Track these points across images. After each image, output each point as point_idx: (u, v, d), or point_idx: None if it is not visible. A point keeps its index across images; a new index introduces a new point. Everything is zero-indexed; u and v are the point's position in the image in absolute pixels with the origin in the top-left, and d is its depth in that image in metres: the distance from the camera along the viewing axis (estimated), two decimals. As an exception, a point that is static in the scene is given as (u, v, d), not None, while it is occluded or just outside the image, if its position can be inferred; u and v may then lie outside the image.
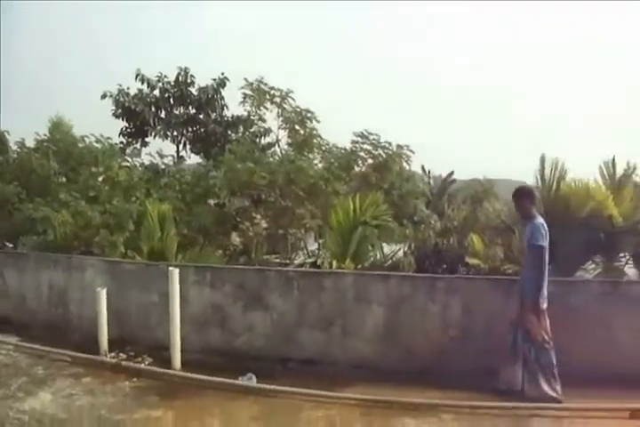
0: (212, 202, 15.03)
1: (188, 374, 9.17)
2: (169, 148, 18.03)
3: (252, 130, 17.22)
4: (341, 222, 11.54)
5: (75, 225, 13.04)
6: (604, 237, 11.01)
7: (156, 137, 18.18)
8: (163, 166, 15.76)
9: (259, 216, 14.74)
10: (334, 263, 11.04)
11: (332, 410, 8.11)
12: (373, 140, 14.14)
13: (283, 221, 14.32)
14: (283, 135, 14.80)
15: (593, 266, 11.67)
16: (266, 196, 14.29)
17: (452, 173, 25.53)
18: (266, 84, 14.15)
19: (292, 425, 7.72)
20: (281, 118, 14.23)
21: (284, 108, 14.09)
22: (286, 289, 9.76)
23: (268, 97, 14.10)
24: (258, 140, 16.69)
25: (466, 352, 8.86)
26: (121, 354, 9.86)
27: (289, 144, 14.49)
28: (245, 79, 14.00)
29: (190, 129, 18.34)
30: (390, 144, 14.17)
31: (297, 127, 14.09)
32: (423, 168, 25.15)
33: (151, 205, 12.58)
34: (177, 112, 18.32)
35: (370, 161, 14.25)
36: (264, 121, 14.59)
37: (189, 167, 16.97)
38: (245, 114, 16.84)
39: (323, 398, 8.33)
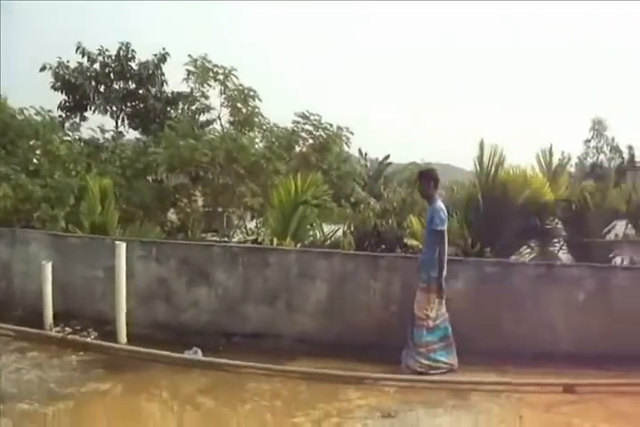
0: (149, 178, 15.04)
1: (134, 348, 9.27)
2: (108, 123, 17.81)
3: (192, 107, 17.17)
4: (283, 201, 11.66)
5: (15, 199, 12.90)
6: (540, 224, 11.33)
7: (96, 112, 17.95)
8: (103, 141, 15.66)
9: (197, 193, 14.85)
10: (275, 241, 11.21)
11: (278, 383, 8.30)
12: (314, 120, 14.28)
13: (222, 198, 14.40)
14: (224, 113, 14.77)
15: (528, 250, 12.05)
16: (204, 173, 14.35)
17: (387, 156, 25.72)
18: (210, 62, 14.10)
19: (239, 397, 7.81)
20: (223, 96, 14.20)
21: (227, 86, 14.07)
22: (231, 264, 9.93)
23: (211, 74, 14.04)
24: (197, 117, 16.62)
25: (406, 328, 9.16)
26: (66, 328, 9.84)
27: (230, 122, 14.47)
28: (190, 55, 13.91)
29: (129, 104, 18.13)
30: (331, 125, 14.35)
31: (239, 105, 14.06)
32: (360, 151, 25.34)
33: (92, 179, 12.49)
34: (116, 87, 18.08)
35: (310, 141, 14.37)
36: (207, 98, 14.49)
37: (129, 142, 16.88)
38: (187, 91, 16.89)
39: (268, 371, 8.58)
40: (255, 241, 11.92)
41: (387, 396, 8.00)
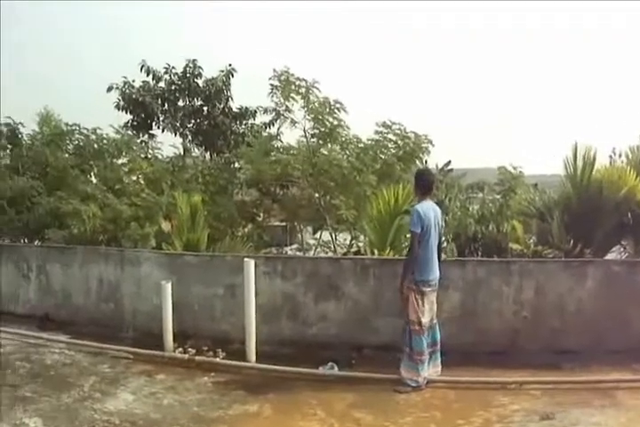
0: (231, 194, 15.12)
1: (268, 366, 9.05)
2: (171, 140, 17.78)
3: (256, 121, 17.30)
4: (381, 212, 11.46)
5: (103, 218, 12.85)
6: (633, 222, 11.22)
7: (164, 130, 17.88)
8: (185, 158, 15.75)
9: (276, 207, 14.87)
10: (375, 252, 11.05)
11: (426, 393, 8.17)
12: (397, 129, 14.13)
13: (303, 212, 14.36)
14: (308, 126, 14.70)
15: (621, 249, 11.94)
16: (284, 187, 14.40)
17: (449, 162, 25.44)
18: (292, 75, 13.92)
19: (394, 410, 7.64)
20: (305, 109, 14.00)
21: (309, 99, 13.90)
22: (362, 277, 9.77)
23: (294, 87, 13.87)
24: (267, 129, 16.56)
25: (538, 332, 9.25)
26: (190, 349, 9.60)
27: (312, 135, 14.30)
28: (274, 70, 13.81)
29: (194, 121, 18.03)
30: (415, 134, 14.19)
31: (323, 118, 13.93)
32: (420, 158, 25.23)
33: (180, 197, 12.40)
34: (182, 104, 17.98)
35: (393, 151, 14.20)
36: (290, 112, 14.23)
37: (208, 160, 17.00)
38: (252, 105, 17.00)
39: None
40: (357, 253, 11.82)
41: (537, 399, 7.95)
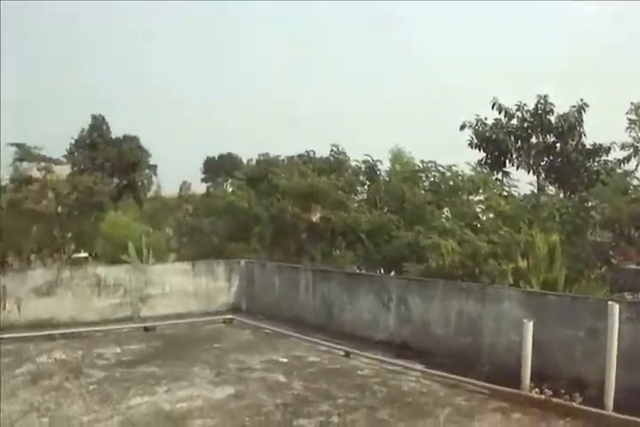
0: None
1: (627, 417, 8.59)
2: (524, 177, 17.88)
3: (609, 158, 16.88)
4: None
5: (461, 254, 13.20)
6: None
7: (518, 168, 18.12)
8: (539, 196, 15.81)
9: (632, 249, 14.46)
10: None
11: None
12: None
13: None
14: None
15: None
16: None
17: None
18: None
19: None
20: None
21: None
22: None
23: None
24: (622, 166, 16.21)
25: None
26: (546, 390, 9.50)
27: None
28: (631, 103, 13.55)
29: (547, 158, 18.04)
30: None
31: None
32: None
33: (537, 235, 12.42)
34: (535, 141, 18.09)
35: None
36: None
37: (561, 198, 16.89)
38: (606, 141, 16.64)
39: None
40: None
41: None
